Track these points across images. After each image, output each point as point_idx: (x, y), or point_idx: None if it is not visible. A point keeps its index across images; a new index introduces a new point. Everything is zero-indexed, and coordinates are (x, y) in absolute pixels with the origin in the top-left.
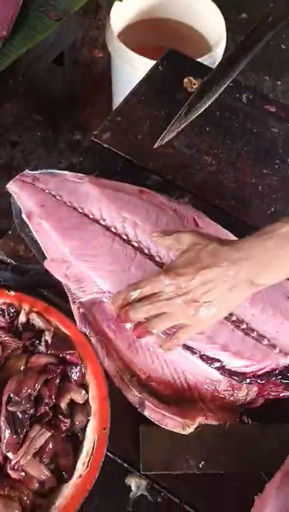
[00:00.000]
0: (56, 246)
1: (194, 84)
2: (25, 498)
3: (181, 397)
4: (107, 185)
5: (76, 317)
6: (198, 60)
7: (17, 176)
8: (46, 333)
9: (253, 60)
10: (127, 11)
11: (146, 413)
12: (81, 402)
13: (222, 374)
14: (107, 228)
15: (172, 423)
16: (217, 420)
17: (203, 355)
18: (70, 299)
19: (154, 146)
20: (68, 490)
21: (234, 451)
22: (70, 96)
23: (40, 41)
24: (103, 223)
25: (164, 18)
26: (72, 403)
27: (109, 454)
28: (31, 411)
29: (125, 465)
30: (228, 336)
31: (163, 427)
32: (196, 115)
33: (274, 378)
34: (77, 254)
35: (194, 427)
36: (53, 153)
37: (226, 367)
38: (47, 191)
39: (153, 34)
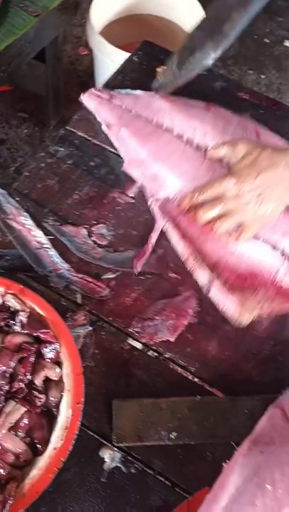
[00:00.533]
0: (134, 150)
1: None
2: (1, 471)
3: (243, 286)
4: (177, 100)
5: (154, 211)
6: None
7: (91, 92)
8: (21, 313)
9: (236, 54)
10: (108, 8)
11: (212, 292)
12: (55, 378)
13: (283, 259)
14: (180, 136)
15: (232, 307)
16: (273, 309)
17: (267, 241)
18: (146, 197)
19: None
20: (43, 461)
21: (205, 423)
22: (55, 93)
23: (20, 37)
24: (176, 132)
25: (144, 14)
26: (47, 380)
27: (83, 428)
28: (7, 387)
29: (99, 438)
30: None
31: (223, 310)
32: (193, 73)
33: None
34: (153, 156)
35: (251, 318)
36: (39, 150)
37: (286, 252)
38: (123, 107)
39: (134, 30)
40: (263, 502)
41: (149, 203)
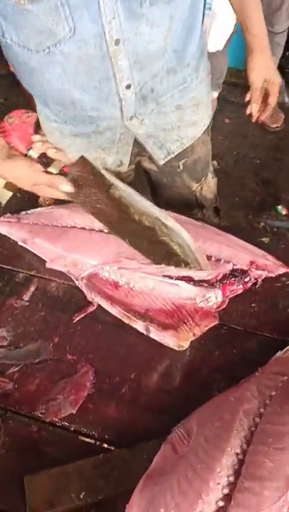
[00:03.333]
0: (51, 251)
1: (47, 200)
2: None
3: (174, 320)
4: (71, 207)
5: (83, 288)
6: None
7: (1, 220)
8: None
9: None
10: None
11: (152, 335)
12: None
13: (195, 285)
14: (83, 228)
15: (171, 342)
16: (202, 330)
17: (178, 276)
18: (74, 279)
19: None
20: None
21: (110, 477)
22: None
23: None
24: (79, 226)
25: None
26: None
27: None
28: None
29: None
30: None
31: (165, 344)
32: None
33: (228, 279)
34: (68, 249)
35: (187, 345)
36: None
37: (196, 279)
38: (30, 223)
39: None
40: None
41: (77, 283)
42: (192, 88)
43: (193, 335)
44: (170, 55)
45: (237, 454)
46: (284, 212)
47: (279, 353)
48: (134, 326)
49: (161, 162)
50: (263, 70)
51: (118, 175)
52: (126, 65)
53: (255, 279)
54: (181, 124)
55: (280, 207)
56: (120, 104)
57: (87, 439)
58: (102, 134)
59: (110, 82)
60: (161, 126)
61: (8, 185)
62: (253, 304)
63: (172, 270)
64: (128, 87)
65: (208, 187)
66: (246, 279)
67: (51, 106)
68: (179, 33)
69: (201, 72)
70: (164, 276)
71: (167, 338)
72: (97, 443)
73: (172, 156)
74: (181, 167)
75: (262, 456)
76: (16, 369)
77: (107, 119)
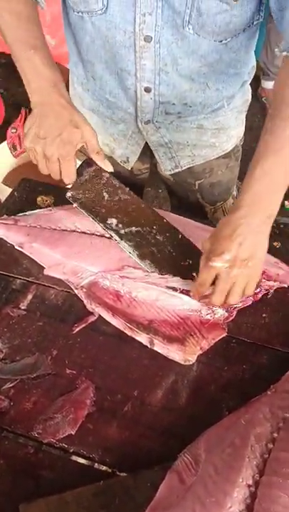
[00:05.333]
0: (49, 256)
1: (46, 200)
2: None
3: (180, 332)
4: (71, 209)
5: (82, 298)
6: None
7: None
8: None
9: None
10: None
11: (156, 348)
12: None
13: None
14: (83, 232)
15: (177, 356)
16: (210, 343)
17: (183, 290)
18: (73, 288)
19: None
20: None
21: (111, 506)
22: None
23: None
24: (79, 230)
25: None
26: None
27: None
28: None
29: None
30: None
31: (170, 358)
32: None
33: None
34: (66, 255)
35: (194, 359)
36: None
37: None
38: (28, 226)
39: None
40: None
41: (76, 292)
42: (219, 113)
43: (201, 348)
44: (212, 93)
45: (249, 486)
46: None
47: None
48: (138, 338)
49: (168, 173)
50: (227, 225)
51: (132, 171)
52: (150, 68)
53: (266, 290)
54: (198, 142)
55: (287, 202)
56: (136, 104)
57: (87, 462)
58: (116, 125)
59: (132, 77)
60: (177, 139)
61: (7, 180)
62: (264, 315)
63: (177, 282)
64: (147, 90)
65: (223, 212)
66: (256, 290)
67: (79, 70)
68: (226, 73)
69: (237, 99)
70: (168, 287)
71: (173, 352)
72: (98, 466)
73: (180, 169)
74: (197, 186)
75: (276, 490)
76: (12, 385)
77: (123, 112)
